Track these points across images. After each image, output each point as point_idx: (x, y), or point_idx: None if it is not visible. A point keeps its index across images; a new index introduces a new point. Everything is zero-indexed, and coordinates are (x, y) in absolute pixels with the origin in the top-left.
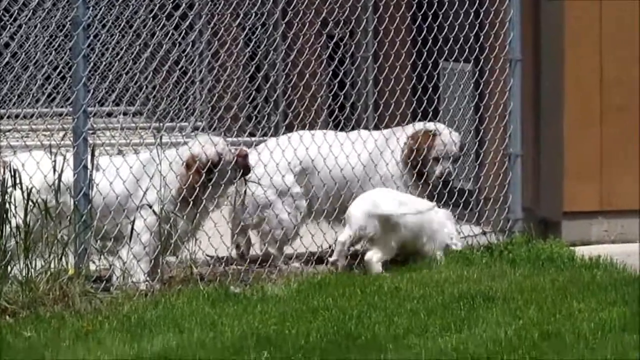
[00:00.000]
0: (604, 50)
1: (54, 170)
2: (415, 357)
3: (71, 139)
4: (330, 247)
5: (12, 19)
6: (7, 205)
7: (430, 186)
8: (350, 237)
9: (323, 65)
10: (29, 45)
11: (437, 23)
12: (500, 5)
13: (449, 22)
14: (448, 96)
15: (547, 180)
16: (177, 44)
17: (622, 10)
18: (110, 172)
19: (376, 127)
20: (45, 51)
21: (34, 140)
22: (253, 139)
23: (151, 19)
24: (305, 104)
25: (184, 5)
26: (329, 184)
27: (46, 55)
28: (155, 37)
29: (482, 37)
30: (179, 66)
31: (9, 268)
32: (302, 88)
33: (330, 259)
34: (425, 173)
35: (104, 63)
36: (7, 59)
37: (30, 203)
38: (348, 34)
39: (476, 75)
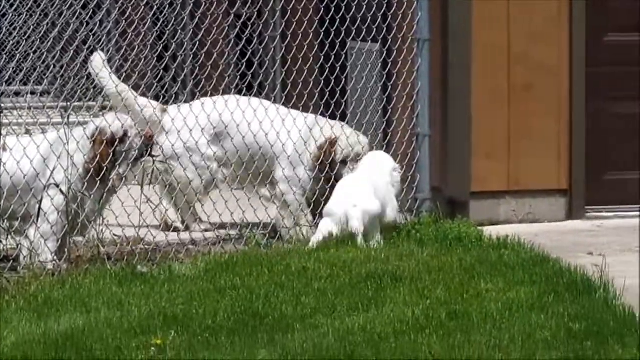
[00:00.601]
0: (512, 30)
1: None
2: (322, 336)
3: None
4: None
5: None
6: None
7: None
8: (335, 233)
9: (231, 45)
10: None
11: (344, 2)
12: None
13: (356, 1)
14: (356, 76)
15: (455, 160)
16: (85, 24)
17: None
18: (17, 151)
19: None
20: None
21: None
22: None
23: None
24: (213, 84)
25: None
26: (242, 150)
27: None
28: (63, 16)
29: (389, 16)
30: (87, 45)
31: None
32: (210, 67)
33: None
34: (333, 177)
35: (11, 42)
36: None
37: None
38: (256, 13)
39: (384, 55)
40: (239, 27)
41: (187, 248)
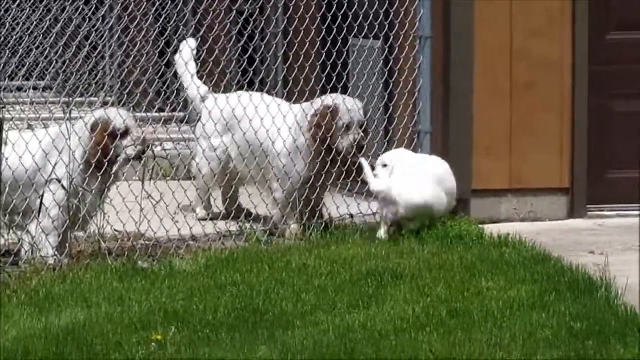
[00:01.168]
0: (514, 27)
1: None
2: (323, 333)
3: None
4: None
5: None
6: None
7: (340, 160)
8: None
9: (233, 41)
10: None
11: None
12: None
13: None
14: (357, 73)
15: (456, 158)
16: (88, 19)
17: None
18: (19, 146)
19: None
20: None
21: None
22: (162, 114)
23: None
24: (215, 80)
25: None
26: (245, 146)
27: None
28: (65, 12)
29: (392, 14)
30: (89, 41)
31: None
32: (211, 64)
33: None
34: (335, 147)
35: (14, 38)
36: None
37: None
38: (258, 10)
39: (385, 52)
40: (241, 23)
41: (187, 244)
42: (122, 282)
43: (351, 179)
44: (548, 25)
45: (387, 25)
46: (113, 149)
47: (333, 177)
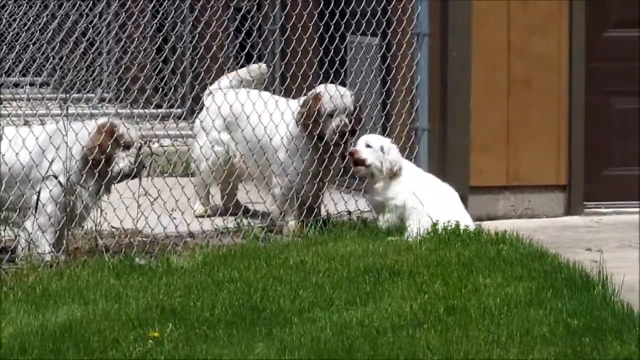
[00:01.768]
0: (512, 24)
1: None
2: (320, 330)
3: None
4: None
5: None
6: None
7: (330, 147)
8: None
9: (230, 38)
10: None
11: None
12: None
13: None
14: (355, 70)
15: (454, 154)
16: (85, 15)
17: None
18: (16, 142)
19: None
20: None
21: None
22: (159, 110)
23: None
24: (212, 76)
25: None
26: (243, 143)
27: None
28: (63, 8)
29: (389, 10)
30: (87, 37)
31: None
32: (209, 60)
33: None
34: (318, 133)
35: (11, 34)
36: None
37: None
38: (255, 6)
39: (383, 48)
40: (238, 19)
41: (185, 241)
42: (119, 279)
43: (349, 175)
44: (545, 22)
45: (385, 22)
46: (109, 149)
47: (331, 174)
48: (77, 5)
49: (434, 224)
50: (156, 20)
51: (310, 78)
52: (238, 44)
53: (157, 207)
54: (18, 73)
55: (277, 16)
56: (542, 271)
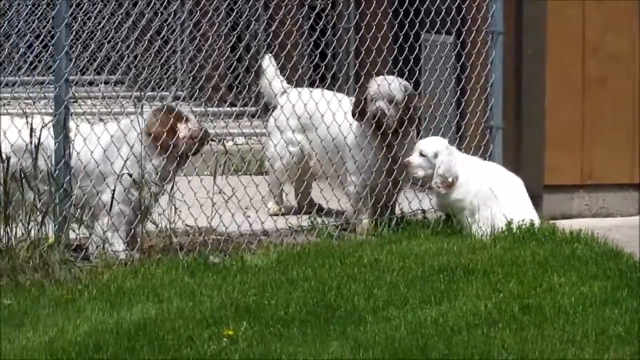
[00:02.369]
0: (586, 22)
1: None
2: (394, 329)
3: (53, 107)
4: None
5: None
6: None
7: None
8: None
9: (305, 36)
10: (12, 14)
11: None
12: None
13: None
14: (429, 68)
15: (528, 153)
16: (159, 13)
17: None
18: (90, 140)
19: None
20: (28, 20)
21: (15, 108)
22: (233, 109)
23: None
24: (287, 75)
25: None
26: (318, 142)
27: (29, 24)
28: (137, 6)
29: (464, 8)
30: (161, 35)
31: None
32: (283, 59)
33: None
34: (367, 113)
35: (86, 32)
36: None
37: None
38: (330, 4)
39: (458, 47)
40: (312, 18)
41: (259, 239)
42: (194, 277)
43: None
44: (620, 21)
45: (460, 20)
46: (170, 124)
47: (404, 173)
48: (151, 4)
49: (509, 223)
50: (230, 19)
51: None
52: (312, 43)
53: (232, 206)
54: (93, 71)
55: (352, 14)
56: (617, 270)
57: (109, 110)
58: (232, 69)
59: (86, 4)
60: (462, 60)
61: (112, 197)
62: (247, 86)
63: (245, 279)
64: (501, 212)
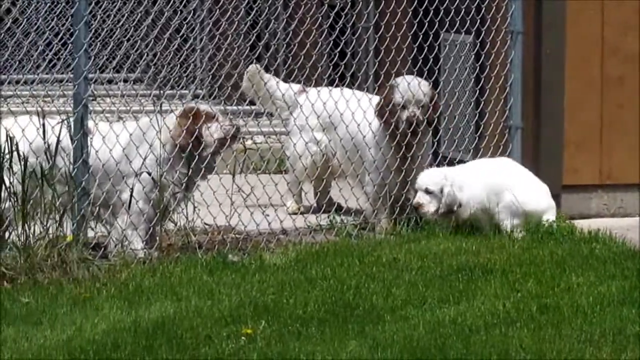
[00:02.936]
0: (606, 22)
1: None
2: (413, 328)
3: (72, 105)
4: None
5: None
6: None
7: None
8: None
9: (324, 35)
10: (31, 12)
11: None
12: None
13: None
14: (448, 68)
15: (547, 153)
16: (179, 12)
17: None
18: (109, 138)
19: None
20: (47, 17)
21: (34, 106)
22: (253, 107)
23: None
24: (306, 74)
25: None
26: (337, 141)
27: (48, 22)
28: (156, 4)
29: (483, 8)
30: (180, 34)
31: (7, 234)
32: (302, 57)
33: None
34: (394, 122)
35: (105, 30)
36: (8, 25)
37: (27, 169)
38: (349, 3)
39: (477, 46)
40: (332, 17)
41: (278, 238)
42: (212, 276)
43: None
44: (639, 20)
45: (479, 20)
46: (197, 131)
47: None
48: (170, 2)
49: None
50: (250, 17)
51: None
52: (331, 42)
53: (250, 204)
54: (112, 69)
55: (371, 13)
56: (635, 270)
57: (128, 108)
58: None
59: (105, 2)
60: (481, 60)
61: (131, 196)
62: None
63: (263, 278)
64: (519, 193)
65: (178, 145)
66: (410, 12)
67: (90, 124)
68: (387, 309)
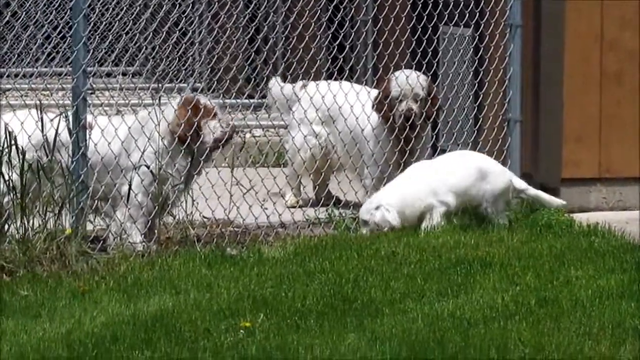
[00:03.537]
0: (605, 15)
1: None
2: (411, 321)
3: (70, 98)
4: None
5: None
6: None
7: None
8: None
9: (322, 28)
10: (30, 5)
11: None
12: None
13: None
14: (447, 61)
15: (546, 146)
16: (177, 5)
17: None
18: (108, 131)
19: None
20: (46, 10)
21: (33, 99)
22: (251, 100)
23: None
24: (304, 67)
25: None
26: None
27: (46, 15)
28: None
29: (482, 1)
30: (179, 27)
31: (6, 227)
32: (301, 51)
33: None
34: (391, 116)
35: (104, 23)
36: (7, 18)
37: (25, 163)
38: None
39: (476, 40)
40: (330, 10)
41: (276, 231)
42: (211, 269)
43: None
44: (638, 16)
45: (478, 13)
46: (196, 124)
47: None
48: None
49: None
50: (249, 11)
51: (403, 69)
52: (330, 35)
53: (249, 198)
54: (110, 63)
55: (370, 7)
56: (634, 263)
57: (127, 101)
58: (250, 60)
59: None
60: (480, 53)
61: (129, 189)
62: (265, 78)
63: (262, 271)
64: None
65: (177, 137)
66: (409, 5)
67: (89, 117)
68: (386, 302)
